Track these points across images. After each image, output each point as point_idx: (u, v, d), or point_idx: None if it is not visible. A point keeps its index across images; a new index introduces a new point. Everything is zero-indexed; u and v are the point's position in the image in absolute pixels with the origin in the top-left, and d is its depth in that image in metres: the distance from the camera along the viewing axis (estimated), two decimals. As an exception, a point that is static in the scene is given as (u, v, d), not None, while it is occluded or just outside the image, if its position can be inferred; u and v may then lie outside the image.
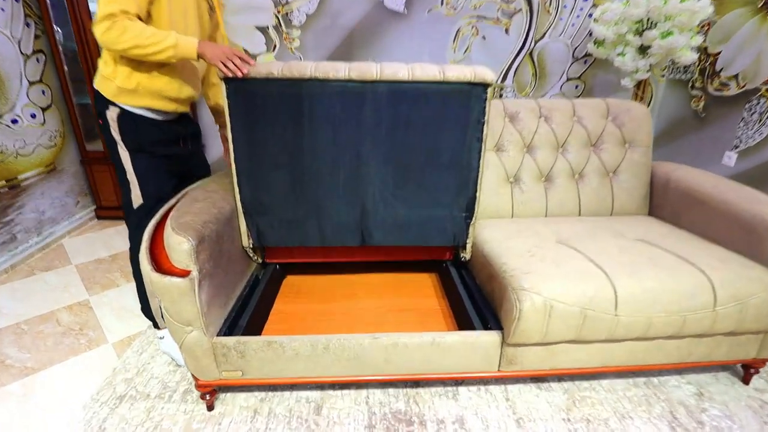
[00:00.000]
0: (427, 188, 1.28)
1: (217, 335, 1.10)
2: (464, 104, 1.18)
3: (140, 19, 1.08)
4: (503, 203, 1.59)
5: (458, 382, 1.28)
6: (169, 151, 1.27)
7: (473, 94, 1.17)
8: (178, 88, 1.23)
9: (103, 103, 1.19)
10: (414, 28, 2.69)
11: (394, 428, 1.12)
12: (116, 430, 1.12)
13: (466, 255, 1.41)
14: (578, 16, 2.71)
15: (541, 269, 1.12)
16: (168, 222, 1.08)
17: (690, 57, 2.21)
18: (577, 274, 1.09)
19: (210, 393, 1.17)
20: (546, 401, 1.22)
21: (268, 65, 1.13)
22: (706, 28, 2.60)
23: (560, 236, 1.37)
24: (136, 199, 1.24)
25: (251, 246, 1.36)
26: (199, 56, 1.10)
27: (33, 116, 2.15)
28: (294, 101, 1.16)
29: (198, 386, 1.14)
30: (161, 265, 1.02)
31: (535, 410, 1.19)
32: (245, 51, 2.68)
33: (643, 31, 2.28)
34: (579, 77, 2.89)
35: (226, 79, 1.12)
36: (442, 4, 2.65)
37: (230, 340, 1.08)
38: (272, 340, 1.08)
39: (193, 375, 1.14)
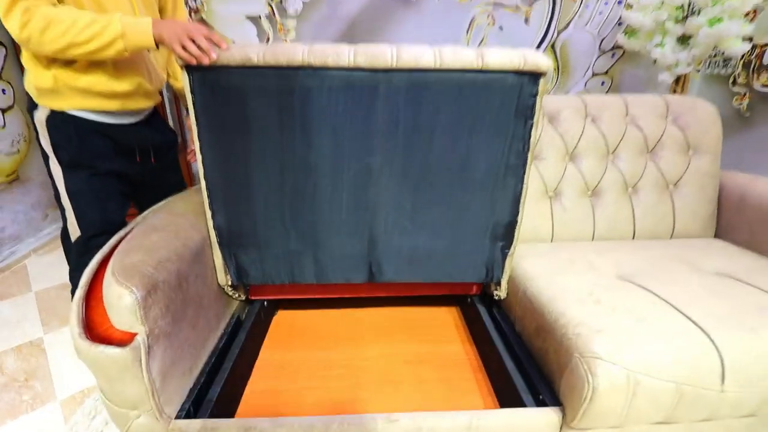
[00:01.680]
0: (454, 211, 0.99)
1: (176, 417, 0.81)
2: (508, 101, 0.89)
3: None
4: (541, 223, 1.30)
5: (496, 461, 0.99)
6: (119, 167, 0.98)
7: (521, 88, 0.88)
8: (111, 79, 0.91)
9: (32, 103, 0.91)
10: (423, 18, 2.41)
11: None
12: None
13: (501, 293, 1.12)
14: (606, 3, 2.43)
15: (617, 325, 0.83)
16: (110, 263, 0.80)
17: (741, 48, 1.92)
18: (666, 333, 0.80)
19: (171, 487, 0.88)
20: (613, 491, 0.93)
21: (245, 48, 0.84)
22: (751, 15, 2.31)
23: (621, 270, 1.08)
24: (73, 229, 0.95)
25: (230, 284, 1.07)
26: (158, 42, 0.82)
27: (-12, 119, 1.87)
28: (280, 98, 0.87)
29: (153, 481, 0.86)
30: (97, 327, 0.74)
31: (601, 506, 0.90)
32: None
33: (685, 17, 1.99)
34: (606, 72, 2.60)
35: (188, 67, 0.84)
36: (455, -10, 2.37)
37: (194, 426, 0.79)
38: (250, 426, 0.79)
39: (147, 465, 0.85)
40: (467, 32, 2.46)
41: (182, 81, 0.86)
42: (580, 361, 0.78)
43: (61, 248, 2.08)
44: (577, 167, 1.31)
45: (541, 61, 0.86)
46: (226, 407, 0.92)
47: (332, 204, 0.96)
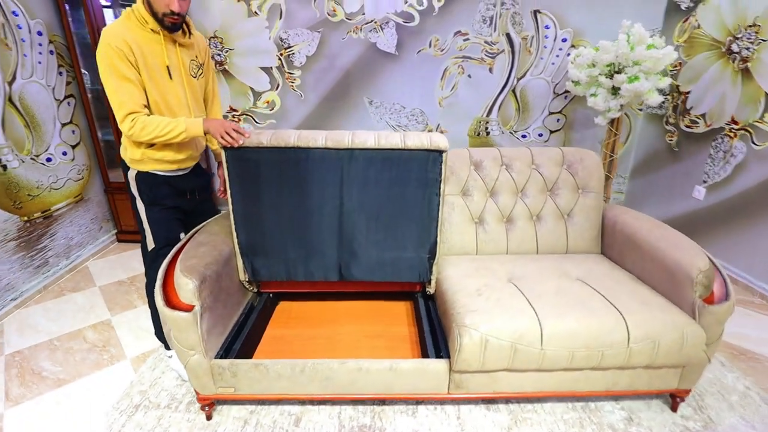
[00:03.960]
0: (395, 235, 1.50)
1: (215, 357, 1.34)
2: (423, 167, 1.41)
3: (147, 106, 1.33)
4: (468, 241, 1.81)
5: (418, 401, 1.49)
6: (177, 203, 1.53)
7: (430, 159, 1.40)
8: (176, 153, 1.47)
9: (125, 167, 1.46)
10: (405, 68, 2.94)
11: (359, 439, 1.35)
12: (132, 435, 1.37)
13: (431, 289, 1.63)
14: (557, 56, 2.93)
15: (484, 308, 1.33)
16: (177, 264, 1.33)
17: (656, 99, 2.38)
18: (512, 314, 1.30)
19: (209, 405, 1.41)
20: (491, 421, 1.43)
21: (259, 135, 1.37)
22: (678, 67, 2.79)
23: (512, 275, 1.58)
24: (150, 243, 1.50)
25: (247, 280, 1.60)
26: (205, 133, 1.36)
27: (64, 154, 2.45)
28: (281, 164, 1.40)
29: (199, 399, 1.39)
30: (171, 300, 1.27)
31: (481, 428, 1.40)
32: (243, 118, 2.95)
33: (614, 74, 2.47)
34: (560, 111, 3.09)
35: (225, 148, 1.37)
36: (430, 45, 2.89)
37: (225, 362, 1.32)
38: (259, 363, 1.32)
39: (195, 389, 1.38)
40: (441, 80, 2.99)
41: (221, 155, 1.39)
42: (455, 328, 1.28)
43: (112, 254, 2.65)
44: (494, 201, 1.81)
45: (442, 142, 1.37)
46: (246, 355, 1.44)
47: (314, 228, 1.49)
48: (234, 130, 1.35)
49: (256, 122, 3.06)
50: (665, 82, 2.39)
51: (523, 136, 3.16)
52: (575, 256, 1.77)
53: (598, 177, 1.83)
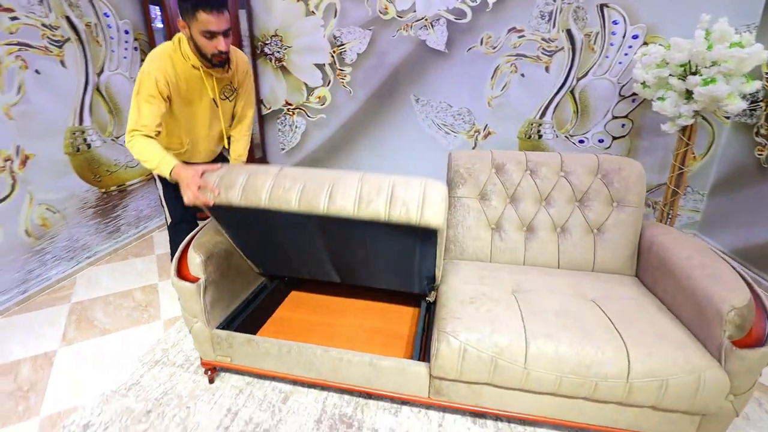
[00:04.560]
0: (388, 272, 1.50)
1: (216, 328, 1.46)
2: (412, 237, 1.21)
3: (158, 131, 1.42)
4: (482, 247, 1.73)
5: (403, 402, 1.48)
6: None
7: (420, 234, 1.18)
8: (191, 157, 1.67)
9: None
10: (454, 66, 2.88)
11: (336, 427, 1.38)
12: (148, 384, 1.56)
13: (430, 299, 1.61)
14: (626, 54, 2.65)
15: (471, 317, 1.28)
16: (192, 241, 1.48)
17: (738, 105, 2.06)
18: (497, 327, 1.23)
19: (211, 370, 1.55)
20: (474, 433, 1.37)
21: (228, 192, 1.24)
22: (774, 71, 2.36)
23: (519, 287, 1.49)
24: (168, 218, 1.69)
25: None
26: (173, 180, 1.36)
27: (141, 137, 2.81)
28: (256, 218, 1.32)
29: (202, 363, 1.53)
30: (182, 272, 1.42)
31: (461, 439, 1.35)
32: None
33: (689, 75, 2.18)
34: (626, 116, 2.79)
35: None
36: (481, 43, 2.79)
37: (223, 333, 1.44)
38: (251, 339, 1.42)
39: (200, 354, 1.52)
40: (492, 78, 2.87)
41: (239, 144, 1.50)
42: (437, 334, 1.25)
43: (175, 227, 2.94)
44: (514, 208, 1.71)
45: (434, 219, 1.11)
46: (249, 331, 1.55)
47: (308, 260, 1.53)
48: (200, 187, 1.26)
49: (308, 116, 3.22)
50: (752, 86, 2.05)
51: (581, 141, 2.91)
52: (601, 276, 1.61)
53: (638, 191, 1.64)
